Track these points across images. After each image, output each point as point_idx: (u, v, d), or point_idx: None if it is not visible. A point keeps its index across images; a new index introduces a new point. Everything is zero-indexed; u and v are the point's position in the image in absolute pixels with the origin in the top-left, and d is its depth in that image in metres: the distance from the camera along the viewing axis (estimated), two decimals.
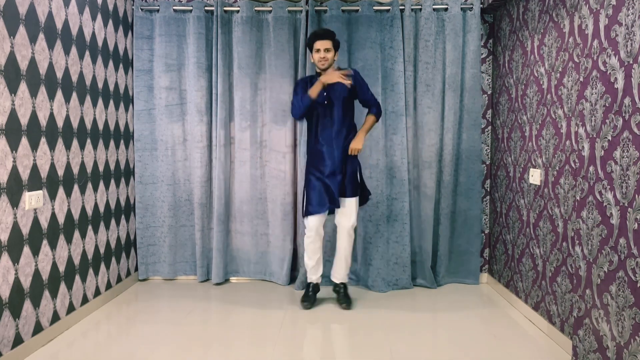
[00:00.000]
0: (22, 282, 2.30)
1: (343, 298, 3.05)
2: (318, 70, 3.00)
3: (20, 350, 2.27)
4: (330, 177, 2.94)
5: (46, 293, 2.49)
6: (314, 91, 2.87)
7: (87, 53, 2.87)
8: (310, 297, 3.07)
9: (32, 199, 2.36)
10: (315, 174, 2.98)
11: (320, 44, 2.89)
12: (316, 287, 3.12)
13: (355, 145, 2.95)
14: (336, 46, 2.96)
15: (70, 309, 2.71)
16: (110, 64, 3.17)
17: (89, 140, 2.90)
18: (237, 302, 3.14)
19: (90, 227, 2.92)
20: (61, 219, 2.62)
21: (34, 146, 2.38)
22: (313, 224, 2.96)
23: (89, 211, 2.91)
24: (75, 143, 2.75)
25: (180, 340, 2.54)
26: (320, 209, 2.93)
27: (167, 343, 2.50)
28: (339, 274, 3.09)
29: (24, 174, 2.31)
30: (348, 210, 2.98)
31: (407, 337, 2.59)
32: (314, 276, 3.08)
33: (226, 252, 3.56)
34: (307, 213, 2.96)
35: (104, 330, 2.66)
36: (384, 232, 3.39)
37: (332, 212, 3.08)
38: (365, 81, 3.06)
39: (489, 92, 3.54)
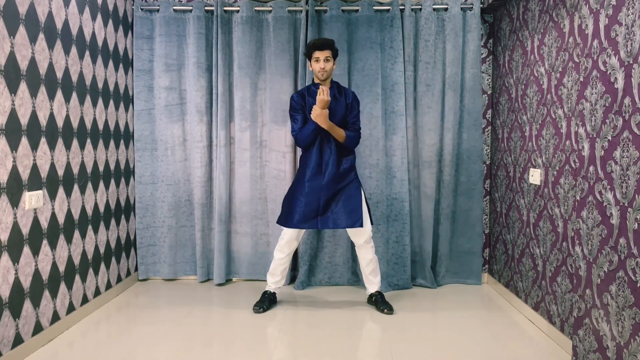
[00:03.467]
0: (22, 282, 2.30)
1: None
2: (316, 81, 2.91)
3: (20, 350, 2.27)
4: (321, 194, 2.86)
5: (46, 293, 2.49)
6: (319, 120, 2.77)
7: (87, 53, 2.87)
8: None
9: (32, 199, 2.36)
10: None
11: (320, 54, 2.81)
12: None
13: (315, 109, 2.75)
14: (335, 55, 2.88)
15: (70, 309, 2.71)
16: (110, 64, 3.17)
17: (89, 140, 2.90)
18: (236, 302, 3.15)
19: (90, 227, 2.92)
20: (61, 219, 2.62)
21: (34, 146, 2.38)
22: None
23: (89, 211, 2.91)
24: (75, 143, 2.75)
25: (180, 340, 2.54)
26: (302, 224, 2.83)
27: (167, 343, 2.50)
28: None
29: (24, 174, 2.31)
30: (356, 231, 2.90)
31: (407, 337, 2.59)
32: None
33: (227, 252, 3.56)
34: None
35: (104, 330, 2.66)
36: (384, 232, 3.40)
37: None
38: (358, 108, 2.94)
39: (489, 92, 3.54)
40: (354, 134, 2.89)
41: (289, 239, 2.94)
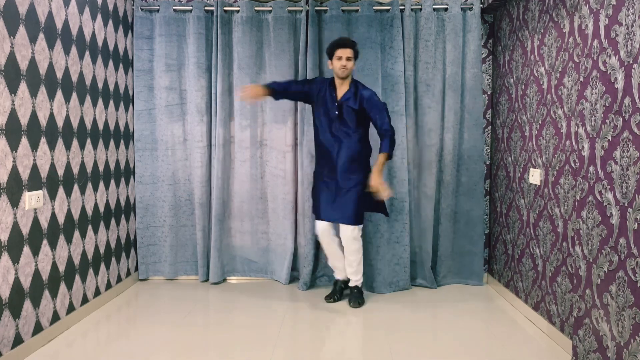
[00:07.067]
0: (22, 282, 2.30)
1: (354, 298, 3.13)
2: (337, 80, 3.02)
3: (20, 350, 2.27)
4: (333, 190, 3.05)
5: (46, 293, 2.49)
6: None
7: (87, 53, 2.87)
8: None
9: (32, 199, 2.36)
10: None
11: (342, 52, 2.92)
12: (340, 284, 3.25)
13: (373, 183, 2.90)
14: (356, 56, 2.99)
15: (70, 309, 2.71)
16: (110, 64, 3.17)
17: (89, 140, 2.90)
18: (237, 301, 3.15)
19: (90, 227, 2.92)
20: (61, 219, 2.62)
21: (34, 146, 2.39)
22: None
23: (89, 211, 2.91)
24: (75, 143, 2.75)
25: (180, 340, 2.54)
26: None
27: (167, 343, 2.50)
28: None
29: (24, 174, 2.31)
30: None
31: (407, 337, 2.59)
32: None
33: (226, 251, 3.56)
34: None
35: (104, 330, 2.67)
36: (385, 232, 3.39)
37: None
38: (379, 103, 2.94)
39: (489, 92, 3.54)
40: (387, 145, 2.89)
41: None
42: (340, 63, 2.93)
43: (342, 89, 3.02)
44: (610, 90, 1.92)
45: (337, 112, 2.99)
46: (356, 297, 3.09)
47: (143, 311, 2.97)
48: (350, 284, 3.15)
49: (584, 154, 2.11)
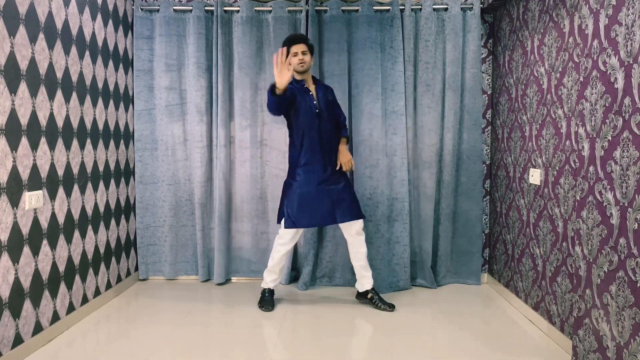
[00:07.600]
0: (22, 282, 2.30)
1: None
2: (296, 76, 2.96)
3: (20, 350, 2.27)
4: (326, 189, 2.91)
5: (46, 293, 2.49)
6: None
7: (87, 53, 2.87)
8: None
9: (32, 199, 2.36)
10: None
11: (297, 47, 2.88)
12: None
13: (348, 158, 2.99)
14: (311, 50, 2.94)
15: (70, 309, 2.71)
16: (110, 64, 3.17)
17: (89, 140, 2.90)
18: (237, 302, 3.15)
19: (90, 227, 2.92)
20: (61, 219, 2.62)
21: (34, 146, 2.39)
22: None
23: (89, 211, 2.91)
24: (75, 143, 2.75)
25: (180, 340, 2.54)
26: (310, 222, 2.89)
27: (167, 343, 2.50)
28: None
29: (24, 174, 2.31)
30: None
31: (407, 337, 2.59)
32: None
33: (228, 251, 3.56)
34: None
35: (104, 330, 2.67)
36: (385, 232, 3.39)
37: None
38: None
39: (489, 92, 3.54)
40: (346, 132, 3.13)
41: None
42: (297, 58, 2.87)
43: (312, 86, 2.98)
44: (610, 90, 1.92)
45: (317, 110, 2.91)
46: (384, 300, 3.03)
47: (143, 311, 2.97)
48: (369, 287, 3.03)
49: (584, 154, 2.11)
